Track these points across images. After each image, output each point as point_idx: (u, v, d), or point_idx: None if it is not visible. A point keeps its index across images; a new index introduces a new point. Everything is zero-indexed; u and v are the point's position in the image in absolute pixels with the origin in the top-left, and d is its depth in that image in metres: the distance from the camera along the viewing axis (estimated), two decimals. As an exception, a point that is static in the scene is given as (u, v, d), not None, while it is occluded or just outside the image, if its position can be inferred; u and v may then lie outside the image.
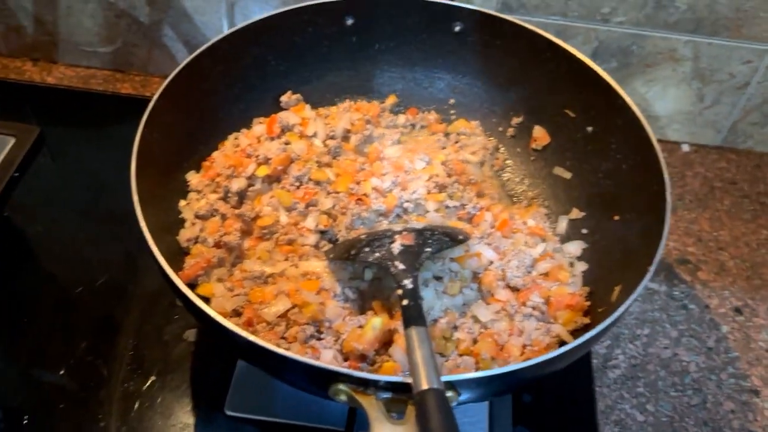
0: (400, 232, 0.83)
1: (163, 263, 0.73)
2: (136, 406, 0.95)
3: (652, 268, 0.75)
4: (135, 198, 0.79)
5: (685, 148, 1.37)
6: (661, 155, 0.87)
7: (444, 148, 1.09)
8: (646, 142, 0.89)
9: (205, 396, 0.93)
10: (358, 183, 0.99)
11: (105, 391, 0.96)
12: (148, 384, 0.97)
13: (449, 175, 1.02)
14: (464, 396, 0.68)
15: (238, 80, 1.05)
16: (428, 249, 0.81)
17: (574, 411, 0.98)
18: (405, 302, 0.72)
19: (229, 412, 0.91)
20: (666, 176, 0.84)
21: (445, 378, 0.63)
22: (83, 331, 1.02)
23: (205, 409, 0.92)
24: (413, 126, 1.13)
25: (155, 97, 0.89)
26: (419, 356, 0.64)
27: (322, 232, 0.94)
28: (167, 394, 0.96)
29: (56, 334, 1.01)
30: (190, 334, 1.01)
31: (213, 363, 0.96)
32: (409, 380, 0.64)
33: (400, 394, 0.65)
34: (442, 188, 1.00)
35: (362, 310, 0.86)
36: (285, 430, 0.90)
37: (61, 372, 0.97)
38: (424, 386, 0.60)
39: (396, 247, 0.81)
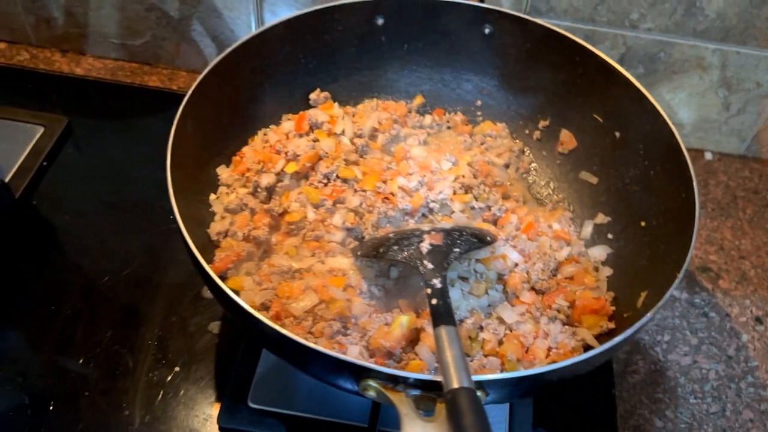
0: (428, 232, 0.84)
1: (197, 255, 0.74)
2: (160, 396, 0.96)
3: (680, 275, 0.76)
4: (170, 190, 0.80)
5: (708, 156, 1.37)
6: (690, 162, 0.87)
7: (469, 149, 1.10)
8: (675, 149, 0.89)
9: (229, 388, 0.94)
10: (384, 182, 1.00)
11: (129, 381, 0.97)
12: (172, 374, 0.98)
13: (475, 176, 1.02)
14: (491, 396, 0.68)
15: (269, 77, 1.06)
16: (457, 249, 0.82)
17: (594, 414, 0.98)
18: (434, 301, 0.73)
19: (252, 405, 0.92)
20: (695, 183, 0.84)
21: (475, 377, 0.64)
22: (109, 321, 1.03)
23: (228, 401, 0.93)
24: (439, 126, 1.13)
25: (190, 91, 0.90)
26: (450, 355, 0.65)
27: (349, 230, 0.95)
28: (191, 385, 0.97)
29: (82, 323, 1.02)
30: (215, 326, 1.02)
31: (237, 355, 0.97)
32: (439, 378, 0.64)
33: (428, 392, 0.66)
34: (468, 189, 1.01)
35: (388, 308, 0.87)
36: (307, 424, 0.91)
37: (87, 361, 0.98)
38: (455, 385, 0.61)
39: (425, 247, 0.82)
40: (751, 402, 1.03)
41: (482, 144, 1.11)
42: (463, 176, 1.01)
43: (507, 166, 1.08)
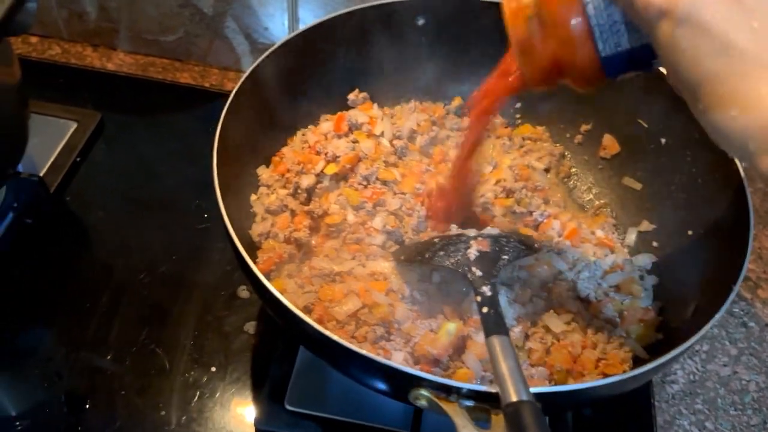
0: (475, 238, 0.83)
1: (246, 256, 0.74)
2: (197, 396, 0.95)
3: (736, 287, 0.74)
4: (217, 190, 0.79)
5: (746, 163, 1.34)
6: (742, 171, 0.85)
7: (508, 152, 1.08)
8: (724, 158, 0.87)
9: (266, 390, 0.93)
10: (423, 184, 0.99)
11: (165, 380, 0.96)
12: (208, 375, 0.97)
13: (516, 180, 1.01)
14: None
15: (309, 77, 1.05)
16: (505, 257, 0.80)
17: (633, 425, 0.97)
18: (485, 310, 0.72)
19: (289, 407, 0.91)
20: (749, 193, 0.83)
21: (532, 390, 0.62)
22: (143, 320, 1.02)
23: (264, 403, 0.92)
24: (477, 131, 1.12)
25: (234, 91, 0.89)
26: (505, 367, 0.63)
27: (389, 233, 0.94)
28: (228, 386, 0.96)
29: (117, 322, 1.02)
30: (250, 327, 1.02)
31: (273, 356, 0.96)
32: (495, 390, 0.63)
33: (483, 403, 0.65)
34: (509, 193, 0.99)
35: (431, 313, 0.85)
36: (345, 428, 0.90)
37: (122, 359, 0.98)
38: (514, 398, 0.60)
39: (472, 253, 0.80)
40: (792, 415, 1.01)
41: (521, 147, 1.10)
42: (505, 180, 1.00)
43: (547, 170, 1.07)
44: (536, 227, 0.98)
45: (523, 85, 0.75)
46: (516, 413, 0.58)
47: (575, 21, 0.61)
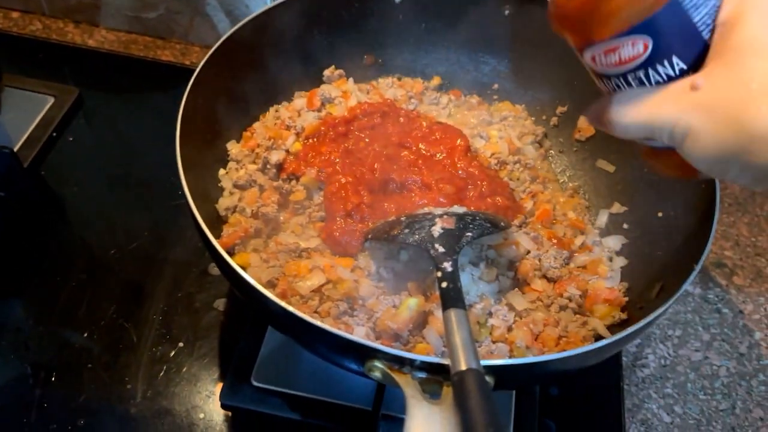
0: (441, 216, 0.82)
1: (205, 229, 0.73)
2: (163, 371, 0.95)
3: (697, 267, 0.74)
4: (179, 164, 0.79)
5: None
6: (711, 153, 0.84)
7: (490, 125, 1.08)
8: (696, 139, 0.86)
9: (233, 366, 0.93)
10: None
11: (133, 355, 0.96)
12: (176, 350, 0.97)
13: (510, 154, 1.02)
14: (498, 383, 0.67)
15: (282, 52, 1.04)
16: (469, 234, 0.80)
17: (601, 407, 0.96)
18: (444, 285, 0.71)
19: (255, 383, 0.91)
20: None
21: (483, 362, 0.62)
22: (114, 295, 1.02)
23: (231, 379, 0.92)
24: (456, 106, 1.11)
25: (201, 65, 0.89)
26: (458, 338, 0.63)
27: (357, 210, 0.93)
28: (195, 362, 0.96)
29: (87, 296, 1.02)
30: (220, 304, 1.01)
31: (242, 333, 0.96)
32: (446, 361, 0.63)
33: (435, 375, 0.65)
34: (502, 165, 1.00)
35: (396, 291, 0.85)
36: (311, 404, 0.90)
37: (91, 333, 0.98)
38: (463, 367, 0.59)
39: (436, 230, 0.80)
40: (761, 400, 1.01)
41: (503, 121, 1.09)
42: (499, 153, 1.00)
43: (534, 145, 1.07)
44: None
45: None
46: (461, 381, 0.57)
47: None
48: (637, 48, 0.58)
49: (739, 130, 0.51)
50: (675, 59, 0.57)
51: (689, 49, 0.56)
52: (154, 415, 0.91)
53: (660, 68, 0.57)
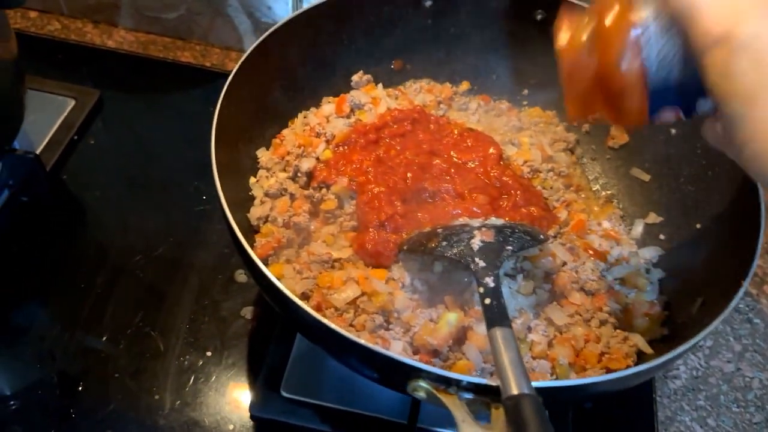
0: (479, 228, 0.81)
1: (243, 241, 0.72)
2: (191, 380, 0.94)
3: (745, 284, 0.72)
4: (215, 171, 0.77)
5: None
6: (754, 164, 0.83)
7: (521, 131, 1.06)
8: (736, 150, 0.85)
9: (262, 376, 0.92)
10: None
11: (160, 364, 0.95)
12: (203, 359, 0.96)
13: (543, 161, 1.00)
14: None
15: (311, 57, 1.02)
16: (509, 247, 0.78)
17: (634, 420, 0.95)
18: (487, 301, 0.70)
19: (285, 394, 0.90)
20: (760, 187, 0.80)
21: (534, 384, 0.61)
22: (139, 302, 1.01)
23: (261, 390, 0.91)
24: (486, 112, 1.10)
25: (234, 70, 0.87)
26: (506, 359, 0.62)
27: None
28: (223, 371, 0.95)
29: (112, 303, 1.00)
30: (247, 312, 1.00)
31: (270, 342, 0.95)
32: (495, 383, 0.61)
33: (482, 396, 0.63)
34: (535, 173, 0.98)
35: (431, 303, 0.84)
36: (343, 417, 0.88)
37: (117, 341, 0.96)
38: (515, 391, 0.58)
39: (476, 244, 0.78)
40: (795, 413, 0.99)
41: (535, 127, 1.07)
42: (532, 160, 0.99)
43: (566, 152, 1.05)
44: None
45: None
46: (516, 407, 0.56)
47: (628, 50, 0.61)
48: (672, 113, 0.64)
49: None
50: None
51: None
52: (182, 426, 0.90)
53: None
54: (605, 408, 0.95)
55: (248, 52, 0.89)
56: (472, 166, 0.95)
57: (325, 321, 0.65)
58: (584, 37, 0.66)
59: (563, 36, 0.69)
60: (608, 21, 0.63)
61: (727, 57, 0.52)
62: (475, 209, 0.88)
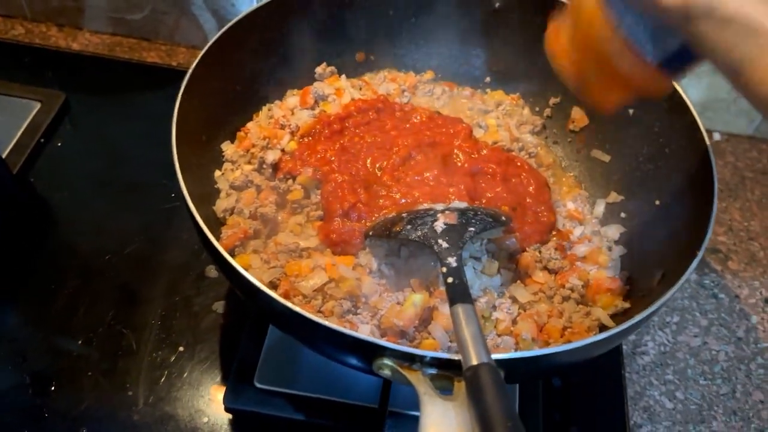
0: (442, 211, 0.82)
1: (207, 232, 0.72)
2: (164, 376, 0.94)
3: (699, 254, 0.74)
4: (177, 166, 0.78)
5: (717, 136, 1.35)
6: (707, 139, 0.85)
7: (487, 114, 1.08)
8: (691, 126, 0.87)
9: (234, 368, 0.92)
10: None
11: (132, 361, 0.95)
12: (176, 354, 0.96)
13: (513, 141, 1.01)
14: (505, 377, 0.67)
15: (274, 51, 1.03)
16: (471, 228, 0.80)
17: (604, 396, 0.97)
18: (450, 280, 0.71)
19: (259, 385, 0.90)
20: (713, 159, 0.83)
21: (493, 356, 0.62)
22: (110, 301, 1.01)
23: (234, 382, 0.91)
24: (450, 97, 1.11)
25: (193, 65, 0.88)
26: (467, 333, 0.63)
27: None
28: (196, 365, 0.95)
29: (83, 303, 1.00)
30: (219, 306, 1.01)
31: (242, 335, 0.95)
32: (457, 357, 0.63)
33: (445, 371, 0.64)
34: (508, 152, 1.00)
35: (398, 287, 0.85)
36: (316, 404, 0.89)
37: (89, 340, 0.96)
38: (475, 361, 0.59)
39: (439, 226, 0.80)
40: (761, 383, 1.02)
41: (498, 108, 1.09)
42: (501, 141, 1.00)
43: (535, 133, 1.07)
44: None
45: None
46: (474, 375, 0.57)
47: (617, 41, 0.64)
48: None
49: None
50: None
51: None
52: (157, 421, 0.90)
53: None
54: (575, 385, 0.97)
55: (207, 47, 0.89)
56: (442, 142, 0.96)
57: (289, 304, 0.66)
58: (574, 48, 0.70)
59: (557, 53, 0.74)
60: (584, 14, 0.66)
61: (698, 27, 0.57)
62: (461, 186, 0.89)
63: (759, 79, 0.54)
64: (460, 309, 0.66)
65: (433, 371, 0.64)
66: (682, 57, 0.65)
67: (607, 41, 0.64)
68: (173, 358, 0.96)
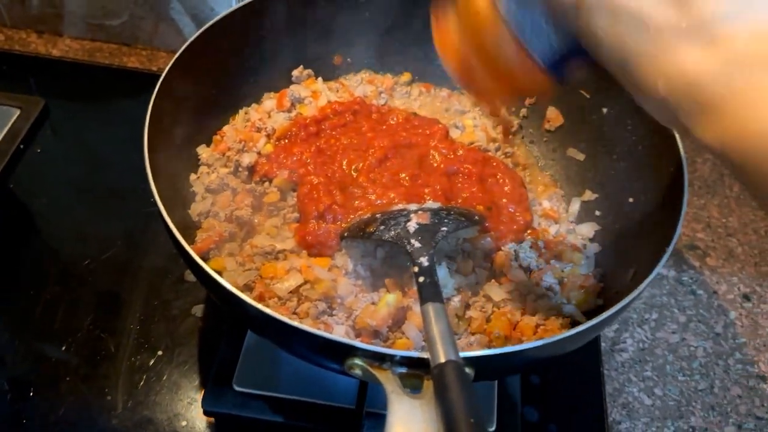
0: (415, 211, 0.83)
1: (178, 236, 0.72)
2: (143, 380, 0.94)
3: (669, 250, 0.75)
4: (148, 170, 0.78)
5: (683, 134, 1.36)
6: (678, 136, 0.86)
7: (465, 114, 1.08)
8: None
9: (213, 371, 0.92)
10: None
11: (111, 365, 0.95)
12: (155, 359, 0.96)
13: (489, 141, 1.02)
14: (478, 374, 0.67)
15: (250, 54, 1.03)
16: (444, 228, 0.80)
17: (583, 393, 0.97)
18: (421, 279, 0.72)
19: (237, 388, 0.91)
20: (683, 156, 0.83)
21: (462, 354, 0.62)
22: (89, 306, 1.01)
23: (213, 385, 0.91)
24: (427, 98, 1.12)
25: (167, 69, 0.88)
26: (436, 331, 0.63)
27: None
28: (174, 369, 0.95)
29: (62, 308, 1.00)
30: (198, 310, 1.01)
31: (221, 338, 0.95)
32: (426, 355, 0.63)
33: (415, 370, 0.65)
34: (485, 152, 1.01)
35: (374, 288, 0.85)
36: (294, 406, 0.89)
37: (68, 346, 0.97)
38: (442, 359, 0.60)
39: (412, 226, 0.80)
40: (739, 378, 1.02)
41: (475, 108, 1.10)
42: (478, 141, 1.01)
43: (512, 133, 1.08)
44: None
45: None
46: (441, 373, 0.58)
47: (503, 33, 0.60)
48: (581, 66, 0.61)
49: None
50: None
51: None
52: (135, 425, 0.90)
53: None
54: (554, 383, 0.97)
55: (180, 50, 0.90)
56: (419, 143, 0.97)
57: (260, 306, 0.66)
58: (458, 38, 0.65)
59: (440, 40, 0.69)
60: (472, 11, 0.62)
61: (586, 18, 0.52)
62: (437, 187, 0.90)
63: (642, 77, 0.50)
64: (431, 308, 0.67)
65: (403, 370, 0.65)
66: (568, 54, 0.60)
67: (493, 32, 0.60)
68: (152, 362, 0.96)
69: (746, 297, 1.12)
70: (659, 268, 0.74)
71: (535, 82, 0.63)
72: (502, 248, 0.90)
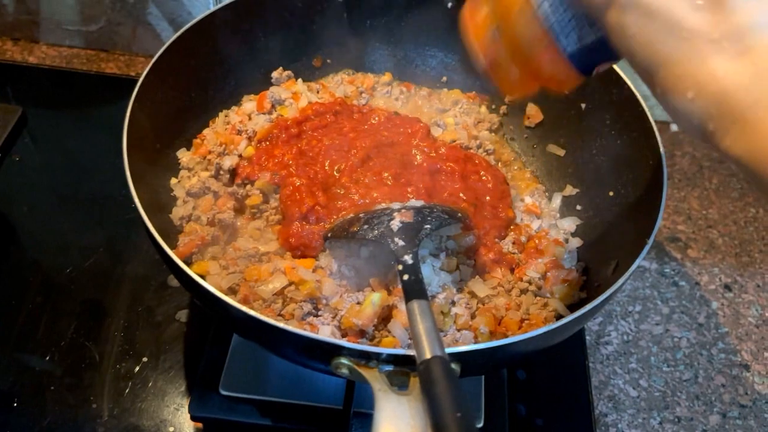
0: (399, 210, 0.83)
1: (159, 240, 0.72)
2: (129, 387, 0.93)
3: (649, 242, 0.75)
4: (128, 176, 0.77)
5: (674, 127, 1.38)
6: (656, 129, 0.87)
7: (445, 112, 1.09)
8: (641, 117, 0.89)
9: (199, 376, 0.92)
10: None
11: (96, 373, 0.94)
12: (140, 365, 0.95)
13: (470, 139, 1.02)
14: (465, 369, 0.67)
15: (228, 56, 1.03)
16: (427, 226, 0.80)
17: (569, 387, 0.98)
18: (405, 277, 0.72)
19: (224, 392, 0.90)
20: (662, 149, 0.84)
21: (448, 350, 0.62)
22: (72, 314, 1.00)
23: (199, 390, 0.91)
24: (408, 97, 1.12)
25: (145, 73, 0.88)
26: (422, 328, 0.63)
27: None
28: (160, 375, 0.95)
29: (44, 318, 0.99)
30: (182, 315, 1.00)
31: (206, 343, 0.95)
32: (412, 352, 0.63)
33: (401, 367, 0.65)
34: (467, 150, 1.01)
35: (359, 288, 0.85)
36: (282, 409, 0.89)
37: (51, 355, 0.96)
38: (428, 355, 0.60)
39: (395, 225, 0.80)
40: (722, 368, 1.04)
41: (456, 106, 1.10)
42: (459, 139, 1.01)
43: (491, 131, 1.08)
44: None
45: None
46: (427, 369, 0.58)
47: (534, 25, 0.62)
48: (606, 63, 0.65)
49: None
50: None
51: None
52: (122, 433, 0.90)
53: None
54: (540, 377, 0.98)
55: (157, 54, 0.89)
56: (401, 142, 0.97)
57: (243, 308, 0.66)
58: (489, 28, 0.67)
59: (471, 31, 0.70)
60: (507, 6, 0.64)
61: (618, 17, 0.52)
62: (409, 189, 0.90)
63: (672, 84, 0.50)
64: (416, 305, 0.67)
65: (389, 368, 0.65)
66: (596, 52, 0.62)
67: (524, 24, 0.62)
68: (137, 369, 0.95)
69: (727, 287, 1.14)
70: (640, 260, 0.74)
71: (562, 75, 0.64)
72: (486, 245, 0.90)
